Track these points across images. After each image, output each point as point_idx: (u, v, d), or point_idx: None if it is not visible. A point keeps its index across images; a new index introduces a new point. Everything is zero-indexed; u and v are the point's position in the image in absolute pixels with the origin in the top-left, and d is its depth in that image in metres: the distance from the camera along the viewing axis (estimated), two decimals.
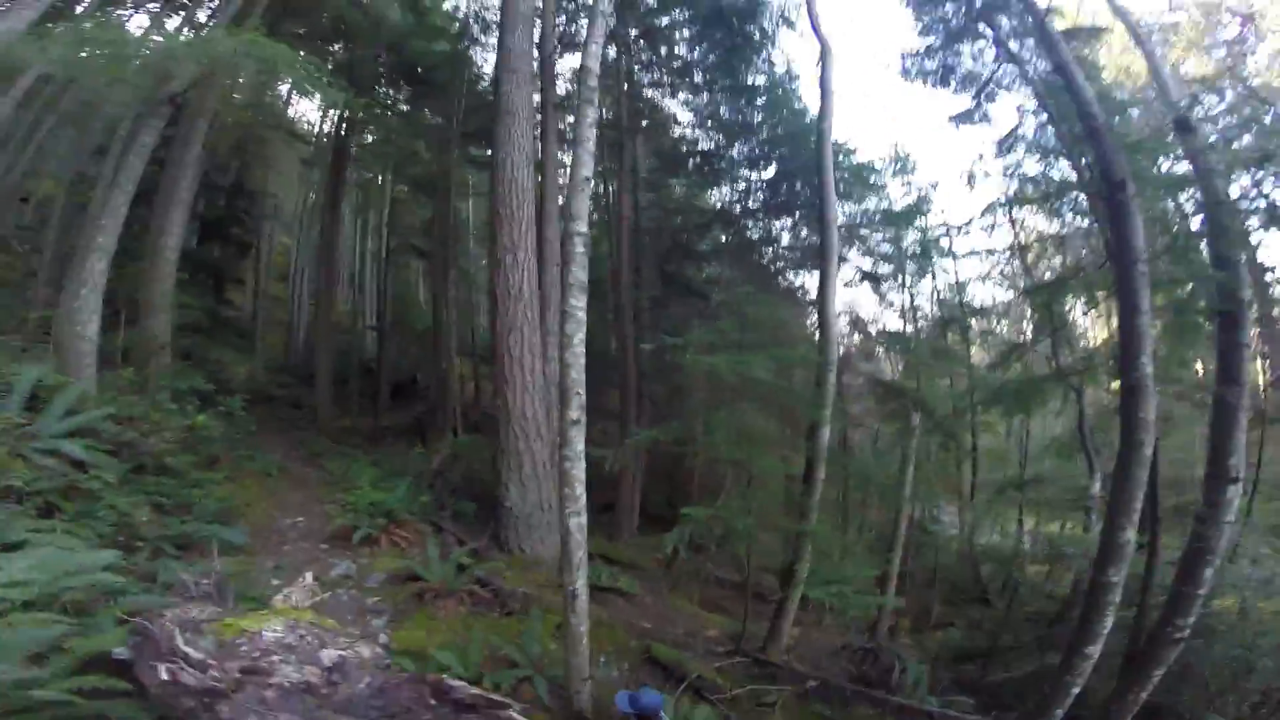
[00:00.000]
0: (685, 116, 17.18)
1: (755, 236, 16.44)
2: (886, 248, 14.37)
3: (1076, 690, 6.03)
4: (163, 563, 6.31)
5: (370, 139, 21.43)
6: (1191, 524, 6.31)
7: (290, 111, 24.52)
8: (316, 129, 24.92)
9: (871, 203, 14.30)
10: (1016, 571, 10.72)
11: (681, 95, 16.70)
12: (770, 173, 15.82)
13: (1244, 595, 7.41)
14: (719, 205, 17.82)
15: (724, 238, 17.34)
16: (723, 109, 15.99)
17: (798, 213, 15.29)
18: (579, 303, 5.21)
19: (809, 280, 16.44)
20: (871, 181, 13.96)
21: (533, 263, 10.19)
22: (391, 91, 19.01)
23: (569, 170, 5.37)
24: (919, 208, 13.61)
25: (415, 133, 19.78)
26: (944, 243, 14.08)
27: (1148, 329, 5.95)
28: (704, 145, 16.89)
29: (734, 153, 16.02)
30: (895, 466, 9.97)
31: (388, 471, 12.77)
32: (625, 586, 10.49)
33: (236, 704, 3.33)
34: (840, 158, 13.73)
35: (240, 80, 11.14)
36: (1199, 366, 10.45)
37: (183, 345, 12.79)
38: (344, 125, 19.35)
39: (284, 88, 21.19)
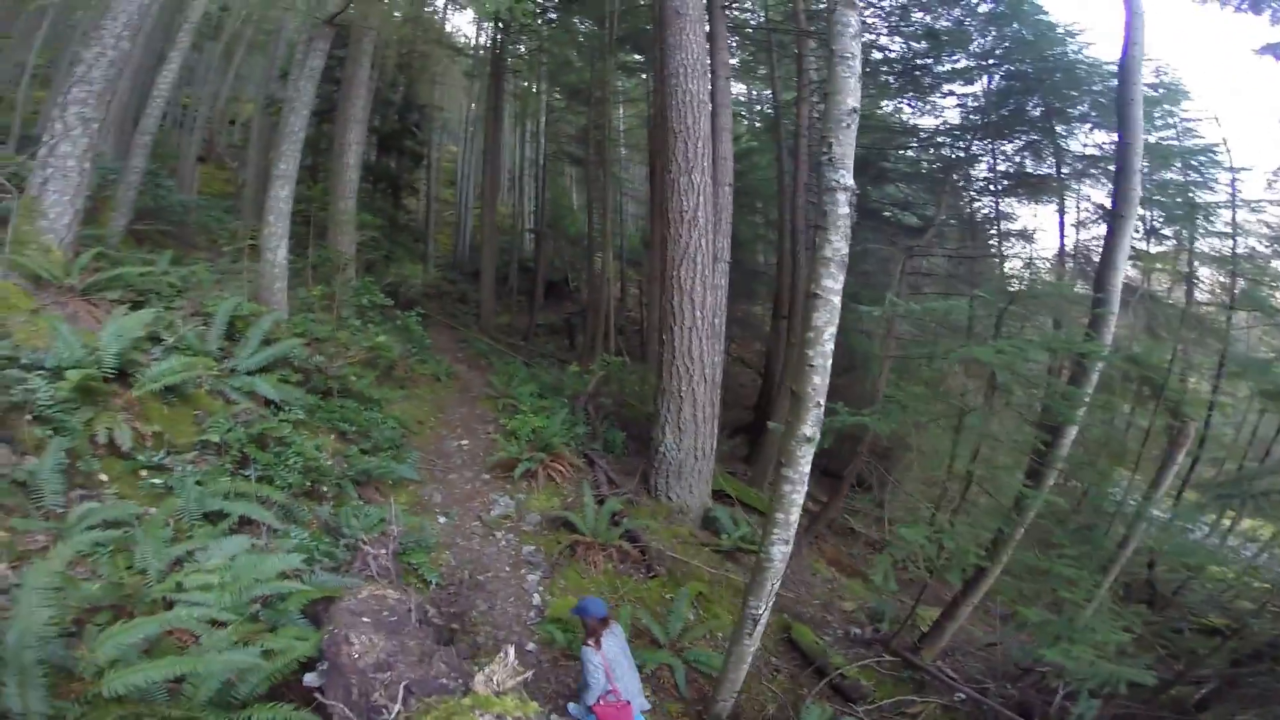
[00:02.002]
0: (872, 21, 14.19)
1: (954, 157, 13.63)
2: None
3: None
4: (344, 512, 6.13)
5: (524, 49, 20.19)
6: None
7: (447, 27, 23.59)
8: (474, 42, 24.00)
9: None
10: (1205, 580, 8.57)
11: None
12: (980, 88, 12.81)
13: None
14: (909, 122, 14.95)
15: (914, 156, 14.64)
16: (919, 14, 12.93)
17: (1021, 136, 12.39)
18: (835, 283, 3.71)
19: (1019, 209, 13.64)
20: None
21: (709, 185, 8.71)
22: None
23: (825, 99, 3.69)
24: (1208, 149, 10.26)
25: (567, 39, 18.31)
26: (1221, 189, 10.69)
27: None
28: (895, 52, 13.94)
29: (937, 63, 13.05)
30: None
31: (545, 386, 12.51)
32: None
33: None
34: (1100, 79, 10.72)
35: None
36: None
37: (366, 257, 12.86)
38: (499, 37, 18.15)
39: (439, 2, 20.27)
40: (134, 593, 3.79)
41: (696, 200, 8.48)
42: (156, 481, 5.03)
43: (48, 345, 4.99)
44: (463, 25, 25.26)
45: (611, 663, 4.32)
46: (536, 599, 6.86)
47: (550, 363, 17.06)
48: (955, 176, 13.17)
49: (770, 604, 4.67)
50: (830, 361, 3.93)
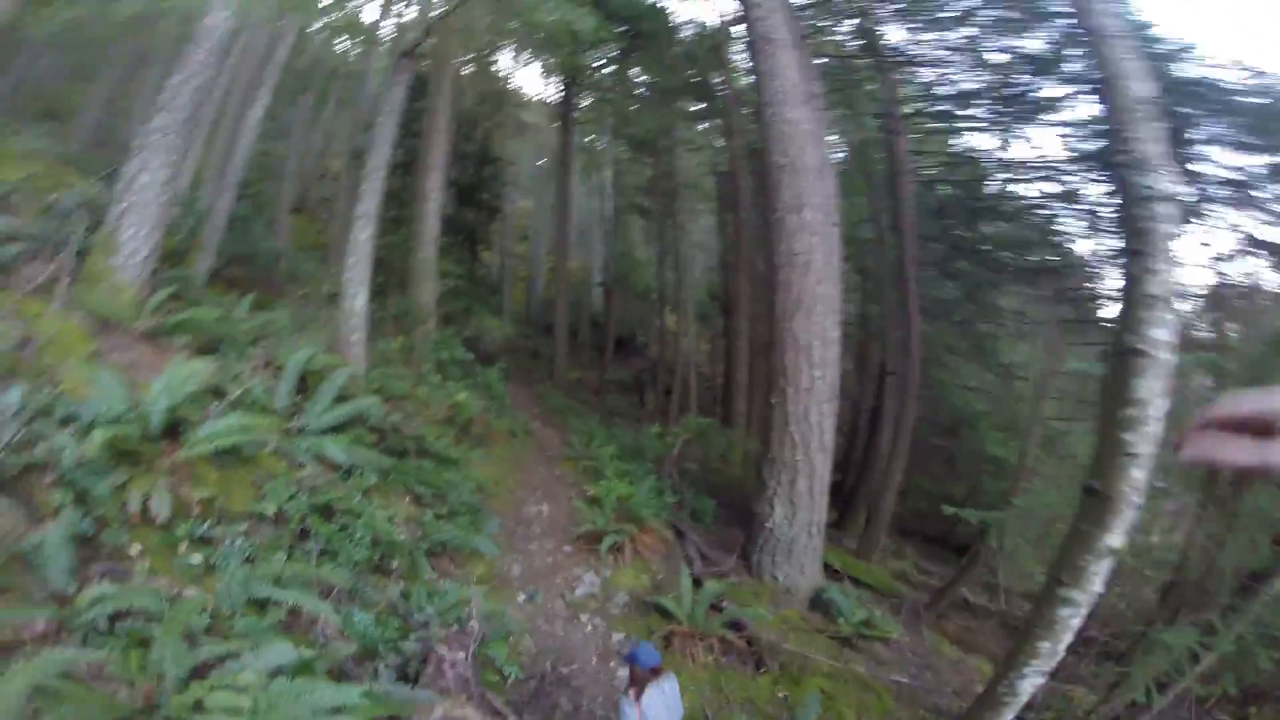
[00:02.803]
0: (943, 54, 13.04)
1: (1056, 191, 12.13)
2: None
3: None
4: (416, 594, 5.04)
5: (588, 102, 19.93)
6: None
7: (513, 83, 23.74)
8: (542, 96, 24.14)
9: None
10: None
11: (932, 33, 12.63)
12: (1085, 114, 11.41)
13: None
14: (993, 155, 13.52)
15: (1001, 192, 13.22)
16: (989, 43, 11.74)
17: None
18: (1166, 332, 2.52)
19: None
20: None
21: (821, 224, 7.56)
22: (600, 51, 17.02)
23: (1104, 89, 2.51)
24: None
25: (628, 89, 17.91)
26: None
27: None
28: (968, 85, 12.69)
29: (1030, 91, 11.76)
30: None
31: (625, 447, 11.33)
32: (887, 630, 7.95)
33: None
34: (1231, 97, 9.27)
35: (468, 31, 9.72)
36: None
37: (446, 309, 12.23)
38: (567, 91, 17.88)
39: (507, 58, 20.32)
40: (140, 707, 2.75)
41: (809, 241, 7.34)
42: (195, 559, 4.06)
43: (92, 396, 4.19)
44: (528, 82, 25.65)
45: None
46: (631, 713, 5.51)
47: (625, 421, 15.98)
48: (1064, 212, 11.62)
49: None
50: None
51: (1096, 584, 2.76)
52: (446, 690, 3.97)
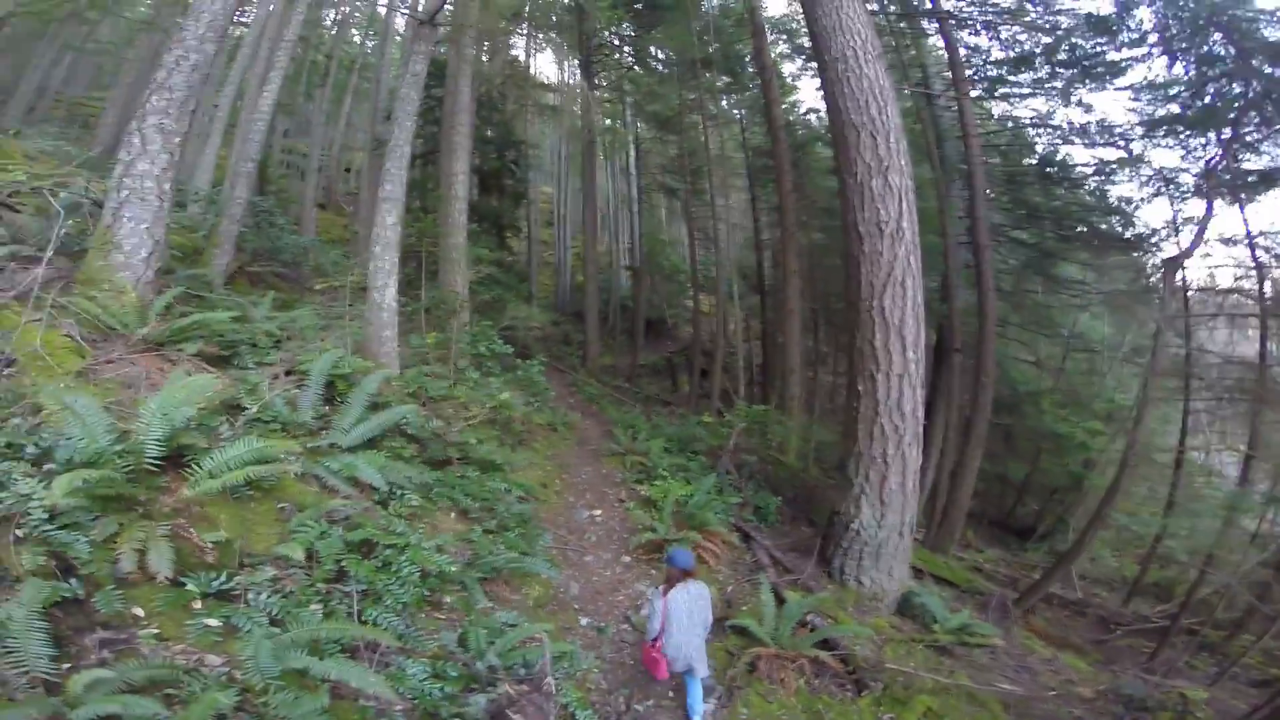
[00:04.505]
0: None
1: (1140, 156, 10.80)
2: None
3: None
4: (474, 635, 4.18)
5: (607, 82, 18.85)
6: None
7: (532, 67, 22.64)
8: (559, 79, 23.01)
9: None
10: None
11: None
12: (1159, 76, 10.09)
13: None
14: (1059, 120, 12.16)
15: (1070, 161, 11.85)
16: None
17: (1229, 127, 9.50)
18: None
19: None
20: None
21: (910, 189, 6.50)
22: (618, 28, 15.89)
23: None
24: None
25: (648, 66, 16.84)
26: None
27: None
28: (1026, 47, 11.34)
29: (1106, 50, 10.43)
30: None
31: (672, 438, 10.43)
32: (987, 635, 6.97)
33: None
34: None
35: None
36: None
37: (478, 299, 11.34)
38: (586, 69, 16.78)
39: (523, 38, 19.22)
40: None
41: (899, 207, 6.24)
42: (213, 622, 3.22)
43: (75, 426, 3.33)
44: (547, 65, 24.51)
45: (671, 615, 4.14)
46: None
47: (661, 407, 15.09)
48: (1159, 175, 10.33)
49: None
50: None
51: None
52: None
